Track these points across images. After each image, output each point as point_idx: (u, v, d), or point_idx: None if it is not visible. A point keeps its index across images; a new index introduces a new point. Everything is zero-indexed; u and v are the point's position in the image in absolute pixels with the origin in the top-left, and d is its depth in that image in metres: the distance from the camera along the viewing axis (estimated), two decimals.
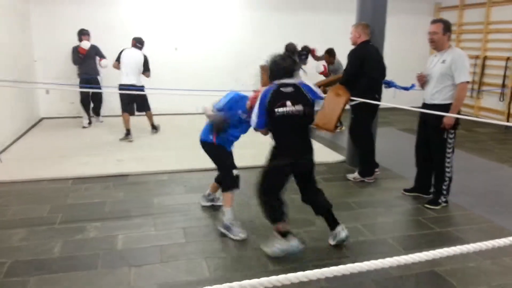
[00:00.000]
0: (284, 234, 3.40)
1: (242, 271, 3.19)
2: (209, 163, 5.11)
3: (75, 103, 8.71)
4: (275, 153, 3.50)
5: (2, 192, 4.63)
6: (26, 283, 2.96)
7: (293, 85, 3.35)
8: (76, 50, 7.50)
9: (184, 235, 3.74)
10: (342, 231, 3.55)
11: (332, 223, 3.62)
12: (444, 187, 4.38)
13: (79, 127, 7.85)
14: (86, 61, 7.55)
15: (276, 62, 3.40)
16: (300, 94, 3.34)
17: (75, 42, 7.64)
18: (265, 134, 3.57)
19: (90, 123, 7.92)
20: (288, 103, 3.29)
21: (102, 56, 7.63)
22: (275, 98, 3.30)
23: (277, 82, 3.36)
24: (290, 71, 3.37)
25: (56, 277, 3.06)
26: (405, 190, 4.78)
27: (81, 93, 7.75)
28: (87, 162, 5.68)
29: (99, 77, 7.81)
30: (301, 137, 3.46)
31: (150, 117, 7.41)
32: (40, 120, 8.49)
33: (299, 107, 3.31)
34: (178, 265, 3.26)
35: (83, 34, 7.56)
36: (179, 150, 6.36)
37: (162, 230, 3.85)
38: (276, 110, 3.29)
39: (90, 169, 5.38)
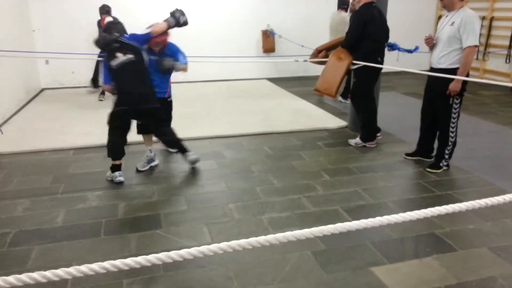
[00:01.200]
0: (115, 169, 4.15)
1: (244, 235, 3.21)
2: (212, 131, 5.12)
3: (75, 73, 8.65)
4: (116, 101, 4.11)
5: (4, 163, 4.66)
6: (30, 252, 3.00)
7: (116, 40, 3.98)
8: (99, 26, 7.36)
9: (186, 202, 3.76)
10: (192, 155, 4.38)
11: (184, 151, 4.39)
12: (447, 151, 4.34)
13: (79, 97, 7.82)
14: None
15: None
16: (126, 45, 3.98)
17: (74, 12, 7.51)
18: (109, 91, 4.43)
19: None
20: (118, 54, 3.95)
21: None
22: (108, 55, 4.02)
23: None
24: (108, 31, 4.09)
25: (60, 245, 3.10)
26: (407, 154, 4.76)
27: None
28: (88, 132, 5.67)
29: None
30: (137, 86, 4.03)
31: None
32: (41, 91, 8.44)
33: (129, 56, 3.96)
34: (179, 231, 3.29)
35: (106, 10, 7.36)
36: (180, 119, 6.34)
37: (162, 196, 3.87)
38: (110, 64, 3.99)
39: (90, 139, 5.38)
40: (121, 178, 4.13)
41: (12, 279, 1.20)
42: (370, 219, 1.66)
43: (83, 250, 3.05)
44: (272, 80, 9.57)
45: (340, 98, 7.28)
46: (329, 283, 2.67)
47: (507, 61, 8.93)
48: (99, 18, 7.29)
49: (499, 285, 2.64)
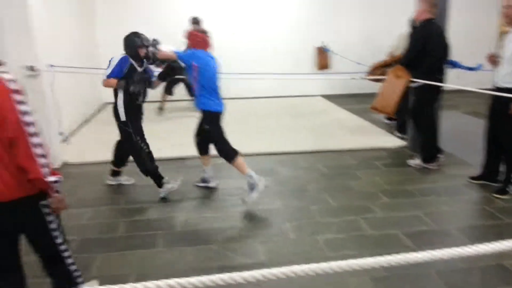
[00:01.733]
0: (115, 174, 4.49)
1: (298, 255, 3.17)
2: (266, 148, 5.10)
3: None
4: None
5: (72, 173, 4.91)
6: (94, 260, 3.13)
7: None
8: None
9: (240, 219, 3.78)
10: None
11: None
12: None
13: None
14: None
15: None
16: None
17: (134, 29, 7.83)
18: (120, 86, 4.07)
19: None
20: None
21: None
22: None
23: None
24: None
25: (120, 254, 3.21)
26: (471, 178, 4.52)
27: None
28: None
29: None
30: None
31: None
32: (104, 105, 8.87)
33: None
34: (234, 247, 3.30)
35: (195, 22, 7.66)
36: (234, 134, 6.41)
37: (219, 212, 3.91)
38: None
39: (153, 151, 5.54)
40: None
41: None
42: (439, 251, 1.56)
43: (142, 260, 3.13)
44: (326, 97, 9.50)
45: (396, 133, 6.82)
46: None
47: None
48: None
49: None
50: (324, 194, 4.25)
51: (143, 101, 4.20)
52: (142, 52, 3.96)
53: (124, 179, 4.60)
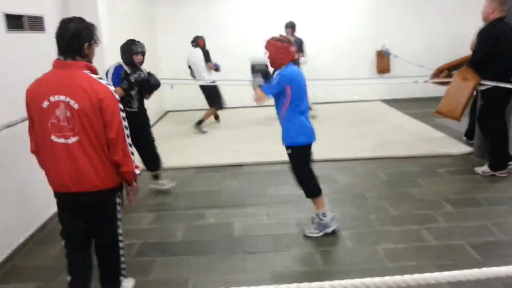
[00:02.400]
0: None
1: (356, 265, 3.09)
2: (323, 154, 5.01)
3: (197, 97, 9.28)
4: None
5: None
6: (153, 263, 3.23)
7: None
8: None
9: (297, 226, 3.74)
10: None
11: None
12: None
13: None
14: None
15: None
16: None
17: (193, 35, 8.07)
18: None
19: None
20: None
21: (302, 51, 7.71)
22: None
23: None
24: None
25: (179, 259, 3.29)
26: None
27: None
28: (207, 151, 6.01)
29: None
30: None
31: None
32: (166, 113, 9.21)
33: None
34: (291, 255, 3.28)
35: (288, 27, 7.68)
36: None
37: (275, 219, 3.90)
38: None
39: (209, 159, 5.68)
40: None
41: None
42: (506, 267, 1.43)
43: (200, 266, 3.19)
44: (386, 101, 9.22)
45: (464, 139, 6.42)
46: None
47: None
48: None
49: None
50: (384, 202, 4.11)
51: (139, 109, 4.28)
52: (138, 58, 4.12)
53: (165, 183, 4.65)
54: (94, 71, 2.24)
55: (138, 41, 4.18)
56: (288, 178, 4.86)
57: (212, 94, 7.34)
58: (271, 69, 3.51)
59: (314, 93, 8.82)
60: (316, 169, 5.18)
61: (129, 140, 2.30)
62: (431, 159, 5.33)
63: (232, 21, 9.05)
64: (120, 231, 2.52)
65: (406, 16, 9.25)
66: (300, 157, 3.51)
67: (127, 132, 2.28)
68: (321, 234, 3.49)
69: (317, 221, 3.51)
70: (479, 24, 4.66)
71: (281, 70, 3.37)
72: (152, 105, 8.27)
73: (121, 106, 2.26)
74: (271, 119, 7.67)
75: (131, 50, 4.10)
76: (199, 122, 7.30)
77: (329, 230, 3.49)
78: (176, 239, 3.64)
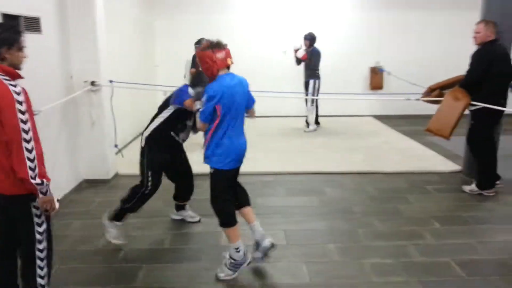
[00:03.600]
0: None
1: (343, 279, 3.09)
2: (312, 167, 5.00)
3: None
4: None
5: (123, 184, 5.08)
6: (139, 270, 3.20)
7: None
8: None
9: (285, 237, 3.74)
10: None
11: None
12: None
13: None
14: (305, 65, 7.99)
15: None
16: None
17: (190, 50, 8.11)
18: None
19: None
20: None
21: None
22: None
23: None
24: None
25: (165, 267, 3.27)
26: None
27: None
28: (197, 160, 5.97)
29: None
30: None
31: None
32: None
33: None
34: (278, 266, 3.27)
35: (306, 39, 7.91)
36: (280, 152, 6.43)
37: (264, 230, 3.88)
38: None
39: (199, 167, 5.63)
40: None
41: None
42: None
43: (186, 275, 3.17)
44: (378, 117, 9.30)
45: None
46: None
47: None
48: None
49: None
50: (372, 217, 4.13)
51: (184, 140, 3.77)
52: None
53: (188, 215, 4.11)
54: (10, 73, 2.21)
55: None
56: (279, 189, 4.89)
57: None
58: None
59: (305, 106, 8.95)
60: (306, 181, 5.21)
61: (29, 145, 2.15)
62: (420, 176, 5.37)
63: (232, 31, 9.10)
64: (40, 245, 2.35)
65: (401, 34, 9.40)
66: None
67: (26, 135, 2.14)
68: (236, 274, 3.09)
69: (229, 262, 3.09)
70: (473, 45, 4.73)
71: (207, 86, 2.95)
72: (145, 111, 8.28)
73: (22, 107, 2.14)
74: (262, 128, 7.71)
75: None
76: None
77: (244, 265, 3.11)
78: (164, 246, 3.62)
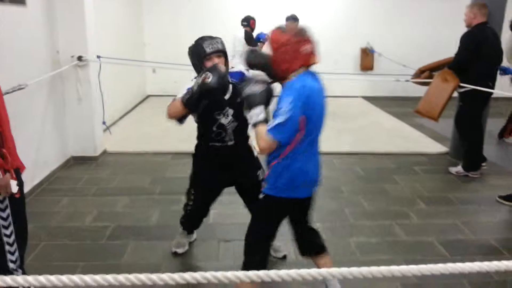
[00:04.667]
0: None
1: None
2: None
3: (177, 82, 9.19)
4: None
5: (111, 161, 5.07)
6: (126, 247, 3.21)
7: None
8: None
9: None
10: None
11: None
12: None
13: None
14: None
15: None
16: None
17: (179, 29, 8.00)
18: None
19: None
20: None
21: None
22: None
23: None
24: None
25: (152, 244, 3.27)
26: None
27: None
28: (186, 139, 5.95)
29: None
30: None
31: None
32: (147, 97, 9.10)
33: None
34: None
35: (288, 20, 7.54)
36: None
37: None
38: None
39: (188, 145, 5.63)
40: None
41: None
42: (474, 264, 1.45)
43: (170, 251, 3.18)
44: (367, 98, 9.31)
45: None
46: None
47: None
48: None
49: None
50: (359, 197, 4.17)
51: (233, 139, 2.91)
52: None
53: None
54: None
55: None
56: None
57: None
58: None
59: None
60: None
61: None
62: (408, 157, 5.42)
63: (227, 5, 8.96)
64: (7, 231, 2.22)
65: (392, 15, 9.35)
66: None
67: None
68: None
69: None
70: (464, 27, 4.73)
71: (287, 85, 2.16)
72: (134, 89, 8.20)
73: None
74: None
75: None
76: None
77: None
78: (151, 223, 3.62)
